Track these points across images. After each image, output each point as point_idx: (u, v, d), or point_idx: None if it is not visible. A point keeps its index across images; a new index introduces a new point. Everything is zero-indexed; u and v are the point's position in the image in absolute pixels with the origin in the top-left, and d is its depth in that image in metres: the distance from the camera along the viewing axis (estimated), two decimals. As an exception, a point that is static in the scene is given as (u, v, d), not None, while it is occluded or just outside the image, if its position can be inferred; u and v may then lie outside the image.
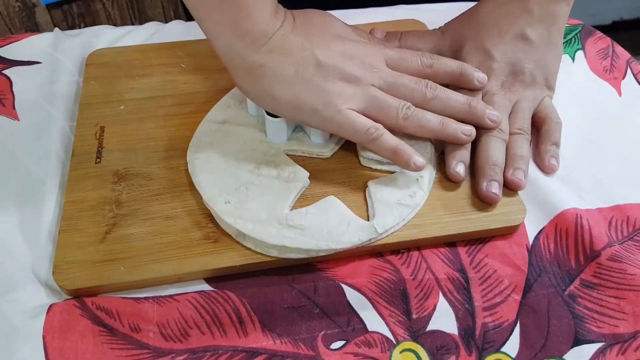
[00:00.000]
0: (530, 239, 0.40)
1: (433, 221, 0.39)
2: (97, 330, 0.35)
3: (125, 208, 0.40)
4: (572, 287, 0.38)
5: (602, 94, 0.51)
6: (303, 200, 0.40)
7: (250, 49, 0.39)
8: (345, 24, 0.44)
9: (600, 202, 0.42)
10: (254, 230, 0.37)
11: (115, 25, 1.07)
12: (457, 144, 0.42)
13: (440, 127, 0.41)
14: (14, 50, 0.54)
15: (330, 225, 0.38)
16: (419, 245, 0.39)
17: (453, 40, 0.48)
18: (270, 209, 0.39)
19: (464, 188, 0.42)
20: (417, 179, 0.41)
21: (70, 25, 1.05)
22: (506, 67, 0.46)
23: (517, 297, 0.37)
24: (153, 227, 0.39)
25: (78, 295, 0.36)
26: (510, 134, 0.44)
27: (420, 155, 0.40)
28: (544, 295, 0.38)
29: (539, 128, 0.46)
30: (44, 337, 0.34)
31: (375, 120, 0.40)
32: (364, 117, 0.40)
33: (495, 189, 0.40)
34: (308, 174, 0.41)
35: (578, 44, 0.56)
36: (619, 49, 0.55)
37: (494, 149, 0.42)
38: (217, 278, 0.38)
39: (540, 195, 0.42)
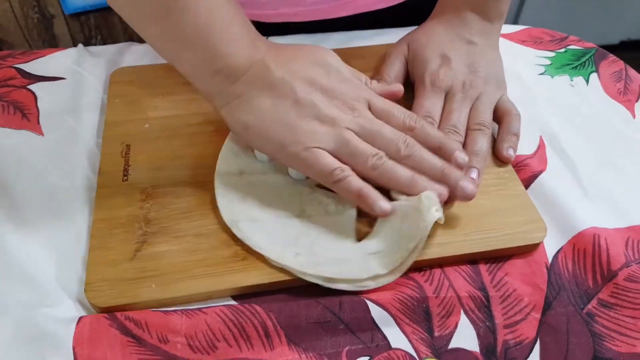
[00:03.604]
0: (549, 258, 0.41)
1: (457, 239, 0.40)
2: (125, 340, 0.36)
3: (154, 226, 0.41)
4: (590, 306, 0.39)
5: (616, 116, 0.52)
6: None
7: (226, 83, 0.40)
8: (339, 60, 0.44)
9: (618, 223, 0.43)
10: (342, 272, 0.38)
11: (132, 38, 1.09)
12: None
13: (409, 183, 0.40)
14: (39, 65, 0.56)
15: (403, 229, 0.39)
16: (441, 263, 0.40)
17: (412, 48, 0.52)
18: (340, 246, 0.39)
19: (485, 206, 0.43)
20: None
21: (87, 37, 1.07)
22: (464, 68, 0.49)
23: (537, 315, 0.38)
24: (182, 245, 0.39)
25: (109, 311, 0.37)
26: (469, 129, 0.46)
27: (385, 200, 0.39)
28: (563, 314, 0.38)
29: (501, 121, 0.48)
30: (73, 348, 0.35)
31: (345, 164, 0.39)
32: (332, 158, 0.39)
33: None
34: None
35: (592, 67, 0.57)
36: (632, 71, 0.57)
37: None
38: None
39: (558, 214, 0.43)
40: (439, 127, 0.46)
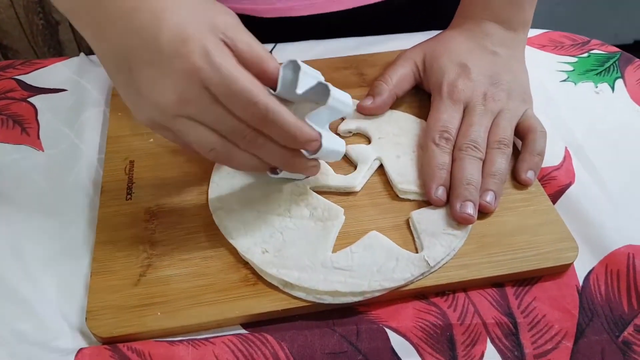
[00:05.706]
0: (580, 280, 0.38)
1: (482, 260, 0.38)
2: (129, 374, 0.34)
3: (159, 248, 0.38)
4: (625, 334, 0.36)
5: (645, 125, 0.49)
6: (342, 239, 0.39)
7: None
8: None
9: (653, 240, 0.40)
10: (302, 279, 0.35)
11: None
12: (433, 168, 0.41)
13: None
14: (39, 76, 0.54)
15: (379, 262, 0.37)
16: (465, 287, 0.38)
17: (428, 57, 0.49)
18: (311, 253, 0.37)
19: (510, 223, 0.40)
20: None
21: (92, 43, 1.06)
22: (484, 79, 0.46)
23: (569, 343, 0.36)
24: (189, 269, 0.37)
25: (111, 342, 0.35)
26: (488, 147, 0.43)
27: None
28: (597, 342, 0.36)
29: (524, 138, 0.45)
30: (73, 381, 0.33)
31: None
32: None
33: (470, 209, 0.39)
34: (342, 210, 0.40)
35: (617, 73, 0.54)
36: (659, 76, 0.54)
37: (468, 168, 0.41)
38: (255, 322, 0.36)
39: (588, 232, 0.41)
40: (456, 142, 0.43)
